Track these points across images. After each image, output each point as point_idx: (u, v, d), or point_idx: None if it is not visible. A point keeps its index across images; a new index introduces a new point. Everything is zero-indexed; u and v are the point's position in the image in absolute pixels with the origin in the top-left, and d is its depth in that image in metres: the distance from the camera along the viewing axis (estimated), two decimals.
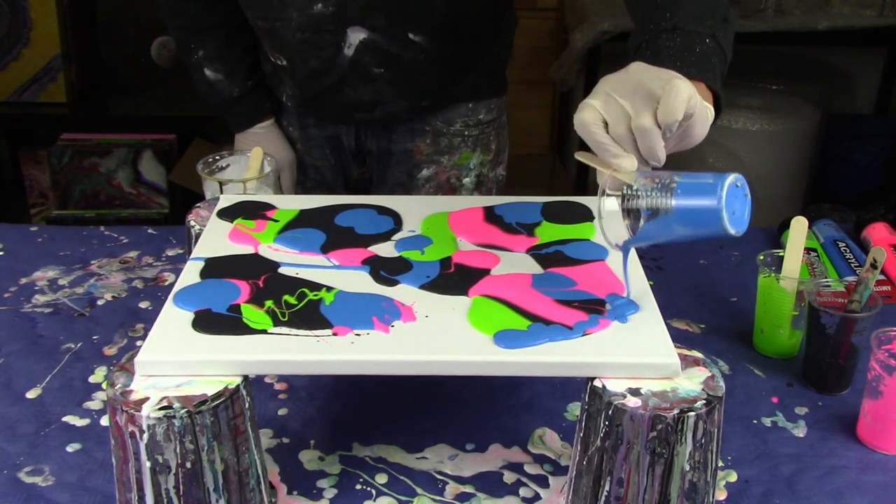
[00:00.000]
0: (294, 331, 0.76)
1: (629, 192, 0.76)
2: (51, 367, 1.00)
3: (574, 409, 0.94)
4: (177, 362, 0.72)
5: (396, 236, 0.93)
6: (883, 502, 0.83)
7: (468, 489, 0.84)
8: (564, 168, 3.06)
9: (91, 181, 2.35)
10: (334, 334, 0.75)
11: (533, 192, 2.43)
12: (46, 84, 2.35)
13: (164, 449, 0.69)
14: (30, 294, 1.15)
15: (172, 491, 0.70)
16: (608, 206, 0.78)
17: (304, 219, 0.96)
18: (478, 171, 1.34)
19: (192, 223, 0.98)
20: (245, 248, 0.90)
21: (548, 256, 0.89)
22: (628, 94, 0.76)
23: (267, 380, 0.99)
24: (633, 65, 0.79)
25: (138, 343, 0.99)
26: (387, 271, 0.85)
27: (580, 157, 0.81)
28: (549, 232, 0.94)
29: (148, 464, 0.70)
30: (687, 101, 0.73)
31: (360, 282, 0.84)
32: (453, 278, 0.84)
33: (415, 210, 0.98)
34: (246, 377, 0.73)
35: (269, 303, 0.79)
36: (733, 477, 0.86)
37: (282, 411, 0.94)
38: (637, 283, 0.83)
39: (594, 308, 0.79)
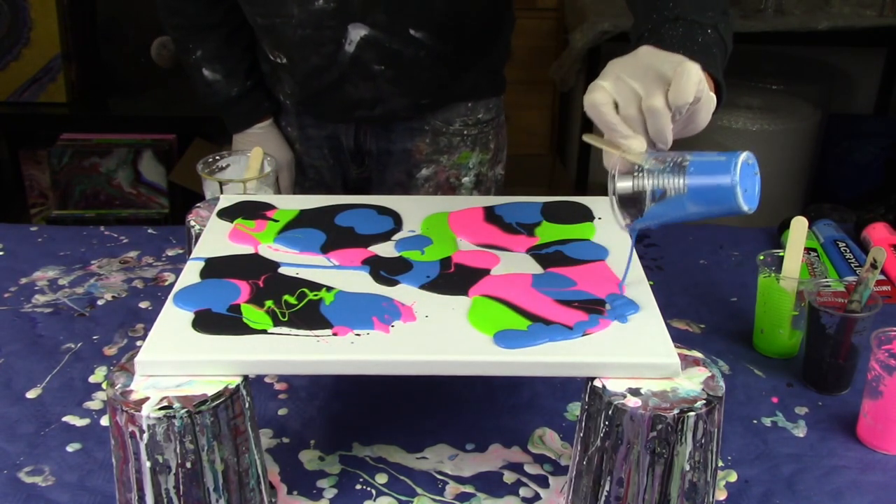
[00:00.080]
0: (294, 331, 0.76)
1: (640, 172, 0.76)
2: (51, 367, 1.00)
3: (574, 409, 0.94)
4: (177, 362, 0.72)
5: (396, 236, 0.93)
6: (883, 502, 0.83)
7: (468, 489, 0.84)
8: (564, 168, 3.06)
9: (91, 181, 2.34)
10: (334, 334, 0.75)
11: (533, 192, 2.42)
12: (46, 84, 2.35)
13: (164, 449, 0.69)
14: (30, 294, 1.15)
15: (172, 491, 0.70)
16: (620, 186, 0.78)
17: (304, 219, 0.96)
18: (477, 171, 1.34)
19: (192, 223, 0.98)
20: (245, 248, 0.90)
21: (548, 256, 0.89)
22: (639, 76, 0.77)
23: (267, 380, 0.99)
24: (642, 48, 0.79)
25: (138, 343, 0.99)
26: (387, 271, 0.86)
27: (588, 138, 0.82)
28: (549, 232, 0.94)
29: (148, 464, 0.70)
30: (697, 83, 0.75)
31: (360, 282, 0.84)
32: (453, 278, 0.85)
33: (415, 210, 0.98)
34: (246, 377, 0.73)
35: (269, 303, 0.79)
36: (733, 477, 0.86)
37: (282, 411, 0.94)
38: (637, 283, 0.83)
39: (594, 308, 0.79)
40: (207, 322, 0.77)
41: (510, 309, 0.79)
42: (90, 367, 1.00)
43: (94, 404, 0.95)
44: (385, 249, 0.90)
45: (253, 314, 0.78)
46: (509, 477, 0.85)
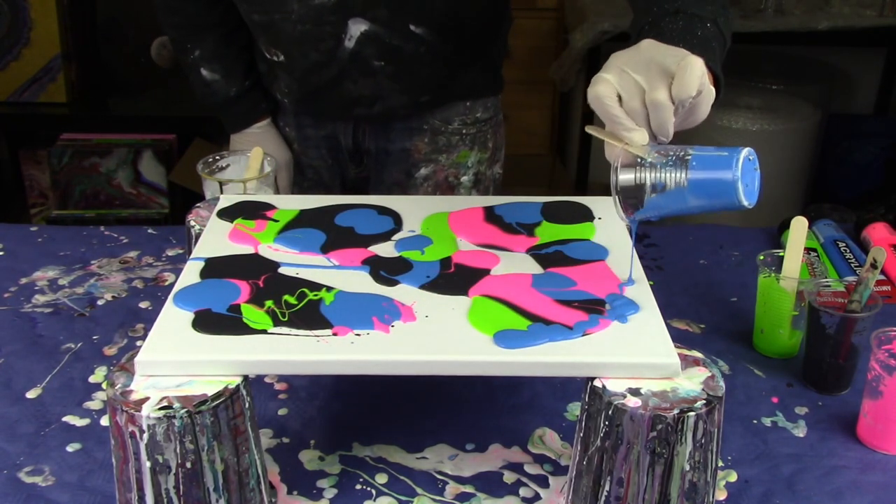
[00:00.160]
0: (294, 331, 0.76)
1: (643, 164, 0.77)
2: (51, 367, 1.00)
3: (574, 409, 0.94)
4: (177, 362, 0.72)
5: (396, 236, 0.93)
6: (883, 502, 0.83)
7: (468, 489, 0.84)
8: (564, 168, 3.06)
9: (91, 181, 2.34)
10: (334, 334, 0.75)
11: (533, 192, 2.42)
12: (46, 84, 2.35)
13: (164, 449, 0.69)
14: (30, 294, 1.15)
15: (172, 491, 0.70)
16: (622, 178, 0.78)
17: (304, 219, 0.96)
18: (476, 170, 1.34)
19: (192, 223, 0.98)
20: (245, 248, 0.90)
21: (548, 256, 0.89)
22: (642, 69, 0.78)
23: (267, 380, 0.99)
24: (644, 41, 0.80)
25: (138, 343, 0.99)
26: (387, 271, 0.86)
27: (591, 130, 0.82)
28: (549, 232, 0.94)
29: (148, 464, 0.70)
30: (701, 77, 0.76)
31: (360, 282, 0.84)
32: (453, 278, 0.84)
33: (415, 210, 0.98)
34: (246, 377, 0.73)
35: (269, 303, 0.79)
36: (733, 477, 0.86)
37: (282, 411, 0.94)
38: (637, 283, 0.83)
39: (594, 308, 0.79)
40: (207, 322, 0.77)
41: (510, 309, 0.79)
42: (90, 367, 1.00)
43: (94, 404, 0.95)
44: (385, 249, 0.90)
45: (253, 314, 0.78)
46: (509, 477, 0.85)
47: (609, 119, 0.78)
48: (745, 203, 0.75)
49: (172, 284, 1.02)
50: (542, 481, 0.85)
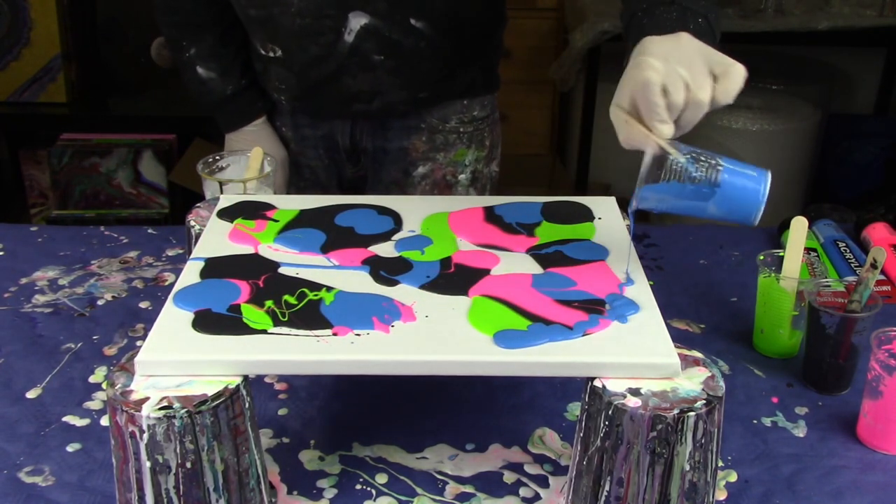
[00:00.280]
0: (294, 331, 0.76)
1: (677, 160, 0.79)
2: (51, 367, 1.00)
3: (574, 409, 0.94)
4: (177, 362, 0.72)
5: (396, 236, 0.93)
6: (883, 502, 0.83)
7: (468, 489, 0.84)
8: (564, 168, 3.06)
9: (91, 181, 2.35)
10: (334, 334, 0.75)
11: (533, 192, 2.42)
12: (46, 84, 2.35)
13: (164, 449, 0.69)
14: (30, 294, 1.15)
15: (172, 491, 0.70)
16: (652, 171, 0.80)
17: (304, 219, 0.96)
18: (473, 168, 1.35)
19: (192, 223, 0.98)
20: (245, 248, 0.90)
21: (548, 256, 0.89)
22: (685, 63, 0.78)
23: (267, 380, 0.99)
24: (683, 35, 0.80)
25: (138, 343, 0.99)
26: (387, 271, 0.86)
27: (618, 111, 0.81)
28: (549, 232, 0.94)
29: (148, 464, 0.70)
30: (741, 85, 0.77)
31: (360, 282, 0.84)
32: (453, 278, 0.85)
33: (415, 210, 0.98)
34: (246, 377, 0.73)
35: (269, 303, 0.79)
36: (733, 477, 0.86)
37: (282, 411, 0.94)
38: (637, 283, 0.83)
39: (594, 308, 0.79)
40: (207, 322, 0.77)
41: (510, 309, 0.79)
42: (90, 367, 1.00)
43: (94, 404, 0.95)
44: (385, 249, 0.90)
45: (253, 314, 0.78)
46: (509, 477, 0.85)
47: (649, 107, 0.78)
48: (756, 222, 0.80)
49: (172, 284, 1.02)
50: (542, 481, 0.85)
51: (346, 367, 0.74)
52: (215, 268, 0.86)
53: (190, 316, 0.78)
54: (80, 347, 1.04)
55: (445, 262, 0.87)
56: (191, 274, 0.85)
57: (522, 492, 0.83)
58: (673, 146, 0.79)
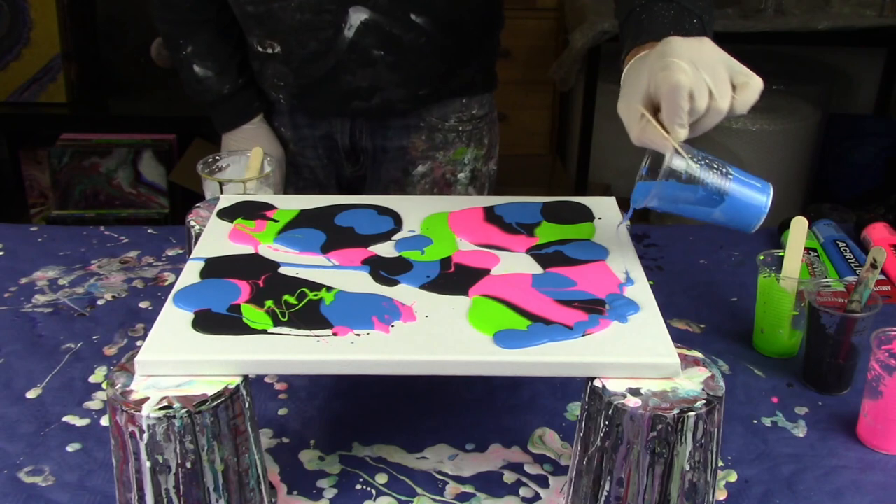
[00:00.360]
0: (294, 331, 0.76)
1: (692, 165, 0.81)
2: (51, 367, 1.00)
3: (574, 409, 0.94)
4: (177, 362, 0.72)
5: (396, 236, 0.93)
6: (883, 502, 0.83)
7: (468, 489, 0.84)
8: (564, 168, 3.07)
9: (91, 181, 2.35)
10: (334, 334, 0.75)
11: (533, 192, 2.42)
12: (46, 84, 2.36)
13: (164, 449, 0.69)
14: (30, 294, 1.15)
15: (172, 491, 0.70)
16: (674, 166, 0.81)
17: (303, 219, 0.96)
18: (472, 166, 1.35)
19: (192, 223, 0.98)
20: (245, 248, 0.90)
21: (548, 256, 0.89)
22: (709, 70, 0.79)
23: (267, 380, 0.99)
24: (706, 41, 0.81)
25: (138, 343, 0.99)
26: (387, 271, 0.86)
27: (633, 108, 0.81)
28: (549, 232, 0.94)
29: (148, 464, 0.70)
30: (757, 98, 0.80)
31: (360, 282, 0.84)
32: (453, 278, 0.85)
33: (415, 210, 0.98)
34: (246, 377, 0.73)
35: (269, 303, 0.79)
36: (733, 477, 0.86)
37: (282, 411, 0.94)
38: (637, 283, 0.83)
39: (594, 308, 0.79)
40: (207, 322, 0.77)
41: (510, 309, 0.79)
42: (90, 367, 1.00)
43: (94, 404, 0.95)
44: (385, 249, 0.90)
45: (253, 314, 0.78)
46: (509, 477, 0.85)
47: (674, 110, 0.78)
48: (754, 230, 0.83)
49: (172, 284, 1.02)
50: (542, 481, 0.85)
51: (346, 367, 0.74)
52: (215, 268, 0.86)
53: (190, 316, 0.78)
54: (80, 347, 1.04)
55: (445, 262, 0.87)
56: (191, 274, 0.85)
57: (522, 492, 0.83)
58: (686, 150, 0.80)
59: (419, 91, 1.26)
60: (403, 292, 0.82)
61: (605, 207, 0.99)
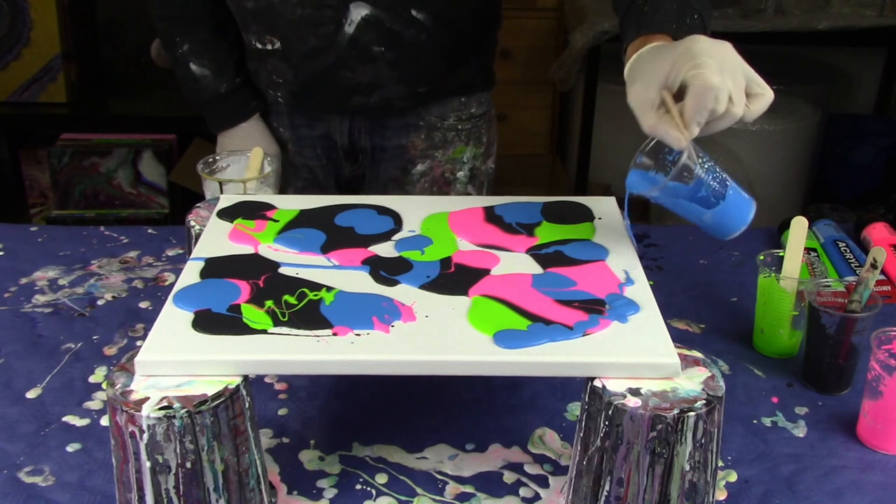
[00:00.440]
0: (294, 331, 0.76)
1: (700, 161, 0.83)
2: (51, 367, 1.00)
3: (574, 409, 0.94)
4: (177, 362, 0.72)
5: (396, 236, 0.93)
6: (883, 502, 0.83)
7: (468, 489, 0.84)
8: (564, 168, 3.06)
9: (91, 181, 2.35)
10: (334, 334, 0.75)
11: (533, 192, 2.42)
12: (46, 84, 2.36)
13: (164, 449, 0.69)
14: (30, 294, 1.15)
15: (172, 491, 0.70)
16: (684, 163, 0.82)
17: (303, 219, 0.96)
18: (471, 165, 1.35)
19: (192, 223, 0.98)
20: (245, 248, 0.90)
21: (548, 256, 0.89)
22: (731, 76, 0.80)
23: (267, 380, 0.99)
24: (728, 45, 0.83)
25: (138, 343, 0.99)
26: (387, 271, 0.86)
27: (649, 96, 0.82)
28: (549, 232, 0.94)
29: (148, 464, 0.70)
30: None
31: (360, 282, 0.84)
32: (453, 278, 0.85)
33: (415, 210, 0.98)
34: (246, 377, 0.73)
35: (269, 303, 0.79)
36: (733, 477, 0.86)
37: (282, 411, 0.94)
38: (637, 283, 0.83)
39: (594, 308, 0.79)
40: (207, 322, 0.77)
41: (510, 309, 0.79)
42: (90, 367, 1.00)
43: (94, 404, 0.95)
44: (385, 249, 0.90)
45: (253, 314, 0.78)
46: (509, 477, 0.85)
47: (698, 109, 0.79)
48: (728, 240, 0.88)
49: (172, 284, 1.02)
50: (542, 481, 0.85)
51: (346, 367, 0.74)
52: (215, 268, 0.86)
53: (190, 316, 0.78)
54: (80, 347, 1.04)
55: (445, 262, 0.88)
56: (191, 274, 0.85)
57: (522, 492, 0.83)
58: (695, 149, 0.81)
59: (419, 88, 1.25)
60: (403, 292, 0.82)
61: (605, 207, 0.99)
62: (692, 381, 0.73)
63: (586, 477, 0.74)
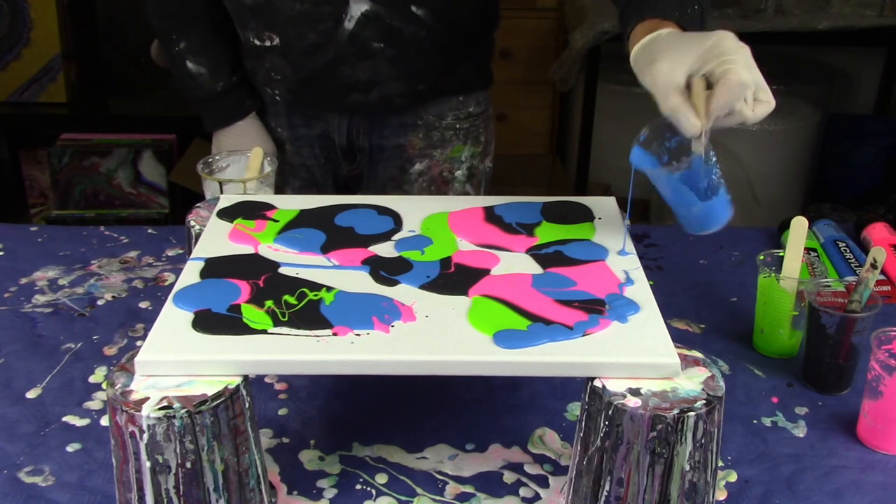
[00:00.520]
0: (294, 331, 0.76)
1: (712, 157, 0.85)
2: (51, 367, 1.00)
3: (574, 409, 0.94)
4: (177, 362, 0.72)
5: (396, 236, 0.93)
6: (883, 502, 0.83)
7: (468, 489, 0.84)
8: (564, 168, 3.06)
9: (91, 181, 2.35)
10: (334, 334, 0.75)
11: (533, 192, 2.42)
12: (46, 84, 2.36)
13: (164, 449, 0.69)
14: (30, 294, 1.15)
15: (172, 491, 0.70)
16: (701, 150, 0.84)
17: (303, 219, 0.96)
18: (469, 164, 1.35)
19: (192, 223, 0.98)
20: (245, 248, 0.90)
21: (548, 256, 0.89)
22: (754, 73, 0.83)
23: (267, 380, 0.99)
24: (748, 49, 0.84)
25: (138, 343, 0.99)
26: (387, 271, 0.86)
27: (675, 77, 0.83)
28: (548, 232, 0.94)
29: (148, 464, 0.70)
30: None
31: (360, 282, 0.84)
32: (453, 278, 0.85)
33: (415, 210, 0.98)
34: (246, 377, 0.73)
35: (269, 303, 0.79)
36: (733, 477, 0.86)
37: (282, 411, 0.94)
38: (637, 283, 0.83)
39: (594, 308, 0.79)
40: (207, 322, 0.77)
41: (510, 309, 0.79)
42: (90, 367, 1.00)
43: (94, 404, 0.95)
44: (385, 249, 0.90)
45: (253, 314, 0.78)
46: (509, 477, 0.85)
47: (725, 103, 0.81)
48: (698, 234, 0.89)
49: (172, 284, 1.02)
50: (542, 481, 0.85)
51: (346, 367, 0.74)
52: (215, 268, 0.86)
53: (190, 316, 0.78)
54: (80, 347, 1.04)
55: (445, 262, 0.88)
56: (191, 274, 0.85)
57: (522, 492, 0.83)
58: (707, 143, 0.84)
59: (418, 86, 1.25)
60: (403, 292, 0.82)
61: (605, 207, 0.99)
62: (692, 381, 0.73)
63: (586, 477, 0.74)
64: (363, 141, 1.33)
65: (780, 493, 0.84)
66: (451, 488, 0.84)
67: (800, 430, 0.92)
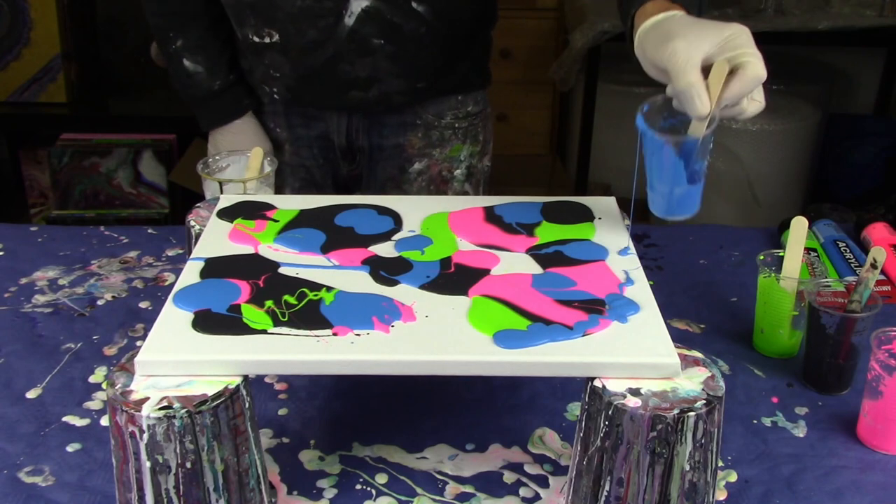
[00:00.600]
0: (294, 331, 0.76)
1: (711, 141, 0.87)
2: (51, 367, 1.00)
3: (574, 409, 0.94)
4: (177, 362, 0.72)
5: (396, 236, 0.93)
6: (883, 502, 0.83)
7: (468, 489, 0.84)
8: (564, 168, 3.07)
9: (91, 181, 2.35)
10: (334, 334, 0.75)
11: (533, 192, 2.42)
12: (46, 84, 2.36)
13: (164, 449, 0.69)
14: (30, 294, 1.15)
15: (172, 491, 0.70)
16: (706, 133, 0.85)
17: (303, 219, 0.96)
18: (468, 163, 1.35)
19: (192, 223, 0.98)
20: (245, 248, 0.90)
21: (548, 256, 0.89)
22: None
23: (267, 380, 0.99)
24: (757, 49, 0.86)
25: (138, 343, 0.99)
26: (387, 271, 0.86)
27: (695, 59, 0.83)
28: (548, 232, 0.94)
29: (148, 464, 0.70)
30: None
31: (360, 282, 0.84)
32: (453, 278, 0.85)
33: (414, 210, 0.98)
34: (246, 377, 0.73)
35: (269, 303, 0.79)
36: (733, 477, 0.86)
37: (282, 411, 0.94)
38: (637, 283, 0.83)
39: (594, 308, 0.79)
40: (207, 322, 0.77)
41: (510, 309, 0.79)
42: (90, 367, 1.01)
43: (94, 404, 0.95)
44: (385, 249, 0.90)
45: (253, 314, 0.78)
46: (509, 477, 0.85)
47: (740, 93, 0.83)
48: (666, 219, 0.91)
49: (172, 284, 1.02)
50: (542, 481, 0.85)
51: (346, 367, 0.74)
52: (215, 268, 0.86)
53: (190, 316, 0.78)
54: (80, 347, 1.04)
55: (445, 262, 0.88)
56: (191, 274, 0.85)
57: (522, 492, 0.83)
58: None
59: (417, 84, 1.25)
60: (403, 292, 0.82)
61: (605, 207, 0.99)
62: (692, 381, 0.73)
63: (586, 477, 0.74)
64: (362, 141, 1.33)
65: (780, 493, 0.84)
66: (451, 488, 0.84)
67: (800, 430, 0.92)
